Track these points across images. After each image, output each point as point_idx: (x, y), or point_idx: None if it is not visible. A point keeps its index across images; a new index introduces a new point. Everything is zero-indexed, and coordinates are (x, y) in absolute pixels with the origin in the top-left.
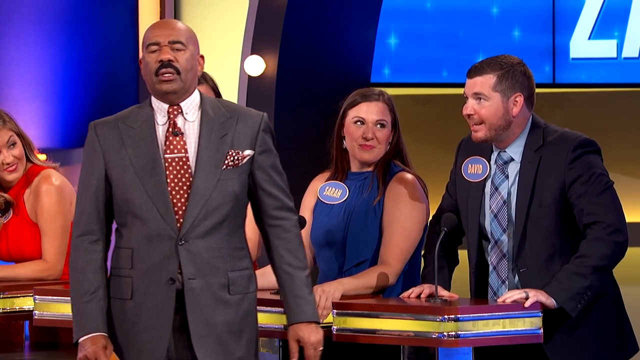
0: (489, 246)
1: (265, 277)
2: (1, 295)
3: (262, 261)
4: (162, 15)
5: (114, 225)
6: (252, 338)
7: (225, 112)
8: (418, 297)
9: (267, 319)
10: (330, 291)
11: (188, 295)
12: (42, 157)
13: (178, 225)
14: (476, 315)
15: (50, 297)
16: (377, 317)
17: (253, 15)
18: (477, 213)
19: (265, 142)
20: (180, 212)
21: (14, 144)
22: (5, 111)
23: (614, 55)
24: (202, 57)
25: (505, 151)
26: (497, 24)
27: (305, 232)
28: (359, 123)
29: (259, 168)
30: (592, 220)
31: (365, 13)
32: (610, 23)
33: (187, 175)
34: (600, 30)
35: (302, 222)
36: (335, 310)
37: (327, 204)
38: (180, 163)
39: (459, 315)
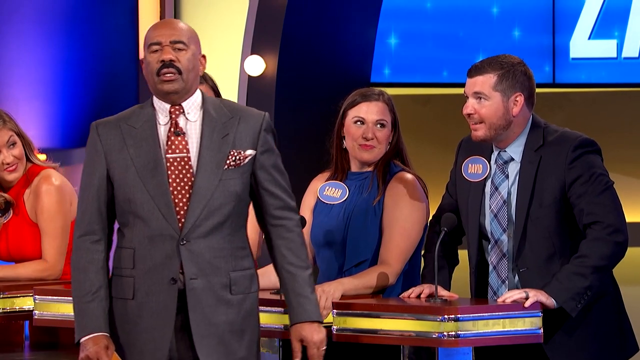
0: (489, 246)
1: (266, 276)
2: (1, 295)
3: (262, 261)
4: (162, 15)
5: (116, 225)
6: (254, 338)
7: (227, 112)
8: (418, 297)
9: (267, 318)
10: (330, 291)
11: (190, 295)
12: (42, 157)
13: (180, 225)
14: (476, 315)
15: (50, 297)
16: (377, 317)
17: (253, 15)
18: (477, 213)
19: (267, 141)
20: (182, 212)
21: (14, 144)
22: (5, 111)
23: (614, 55)
24: (203, 56)
25: (505, 151)
26: (497, 24)
27: (305, 232)
28: (359, 123)
29: (261, 168)
30: (592, 220)
31: (365, 13)
32: (610, 23)
33: (188, 175)
34: (600, 30)
35: (302, 222)
36: (335, 310)
37: (327, 203)
38: (182, 163)
39: (459, 315)
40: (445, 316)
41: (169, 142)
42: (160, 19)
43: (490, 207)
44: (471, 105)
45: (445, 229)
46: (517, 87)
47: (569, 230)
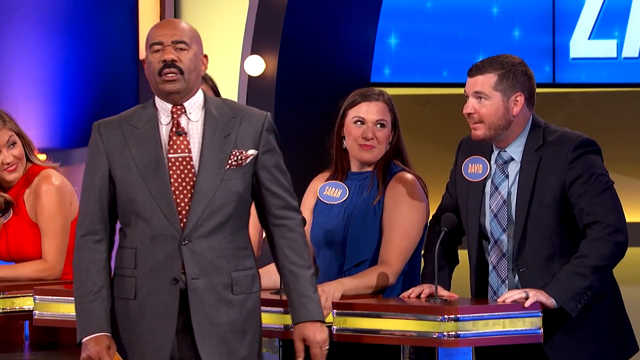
0: (489, 246)
1: (267, 276)
2: (1, 295)
3: (262, 260)
4: (162, 15)
5: (118, 225)
6: (256, 338)
7: (229, 111)
8: (418, 297)
9: (267, 318)
10: (330, 291)
11: (192, 295)
12: (42, 157)
13: (181, 225)
14: (476, 315)
15: (50, 297)
16: (377, 317)
17: (253, 15)
18: (477, 213)
19: (269, 141)
20: (183, 212)
21: (14, 143)
22: (5, 111)
23: (614, 55)
24: (205, 56)
25: (505, 151)
26: (497, 24)
27: (305, 232)
28: (359, 123)
29: (263, 168)
30: (592, 220)
31: (365, 13)
32: (610, 23)
33: (190, 175)
34: (600, 30)
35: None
36: (335, 310)
37: (327, 203)
38: (184, 163)
39: (459, 315)
40: (445, 316)
41: (171, 142)
42: (161, 19)
43: (490, 207)
44: (471, 104)
45: (445, 229)
46: (517, 87)
47: (569, 230)
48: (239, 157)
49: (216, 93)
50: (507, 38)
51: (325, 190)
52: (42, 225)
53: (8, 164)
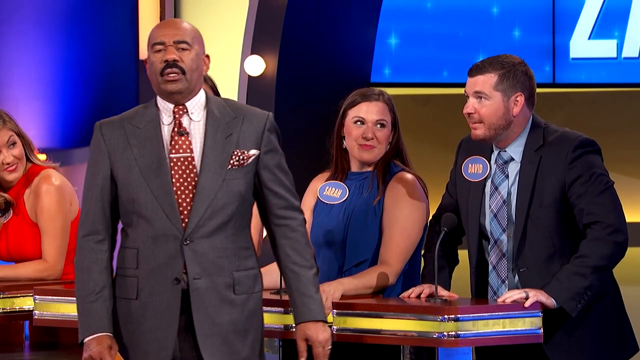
0: (489, 246)
1: (267, 276)
2: (1, 295)
3: (262, 260)
4: (162, 15)
5: (120, 225)
6: (258, 338)
7: (231, 111)
8: (418, 297)
9: (267, 318)
10: (330, 291)
11: (193, 295)
12: (42, 157)
13: (183, 225)
14: (476, 315)
15: (50, 297)
16: (377, 317)
17: (253, 15)
18: (477, 213)
19: (271, 141)
20: (185, 212)
21: (14, 143)
22: (5, 111)
23: (614, 55)
24: (207, 56)
25: (505, 151)
26: (497, 24)
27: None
28: (359, 123)
29: (265, 168)
30: (592, 220)
31: (365, 13)
32: (610, 23)
33: (192, 175)
34: (600, 30)
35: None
36: (335, 310)
37: (327, 204)
38: (186, 163)
39: (459, 315)
40: (445, 316)
41: (173, 142)
42: (161, 19)
43: (490, 207)
44: (472, 104)
45: (445, 229)
46: (517, 87)
47: (569, 230)
48: (241, 157)
49: (216, 93)
50: (507, 38)
51: (325, 190)
52: (42, 225)
53: (8, 164)
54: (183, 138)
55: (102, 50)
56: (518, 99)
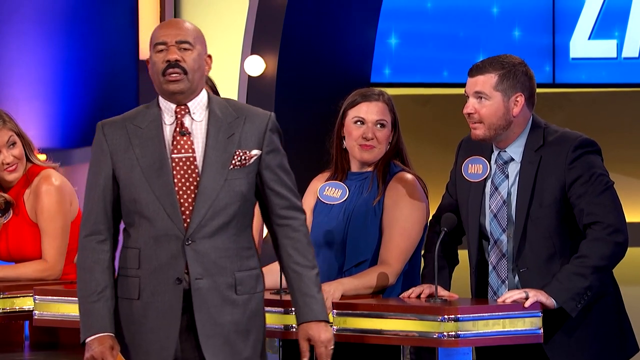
0: (489, 246)
1: (268, 276)
2: (1, 295)
3: (262, 261)
4: (162, 15)
5: (122, 225)
6: (260, 338)
7: (233, 111)
8: (418, 297)
9: (267, 318)
10: (330, 291)
11: (195, 295)
12: (42, 157)
13: (185, 225)
14: (476, 315)
15: (50, 297)
16: (377, 317)
17: (253, 15)
18: (477, 213)
19: (273, 141)
20: (187, 212)
21: (14, 144)
22: (5, 111)
23: (614, 55)
24: (209, 56)
25: (505, 151)
26: (497, 24)
27: None
28: (359, 123)
29: (267, 168)
30: (592, 220)
31: (365, 13)
32: (610, 23)
33: (194, 175)
34: (600, 30)
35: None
36: (335, 310)
37: (327, 204)
38: (188, 163)
39: (459, 315)
40: (445, 316)
41: (175, 142)
42: (160, 18)
43: (490, 207)
44: (472, 104)
45: (445, 229)
46: (517, 87)
47: (569, 230)
48: (243, 157)
49: (215, 93)
50: (507, 38)
51: (325, 190)
52: (42, 226)
53: (8, 164)
54: (185, 138)
55: (102, 50)
56: (518, 99)
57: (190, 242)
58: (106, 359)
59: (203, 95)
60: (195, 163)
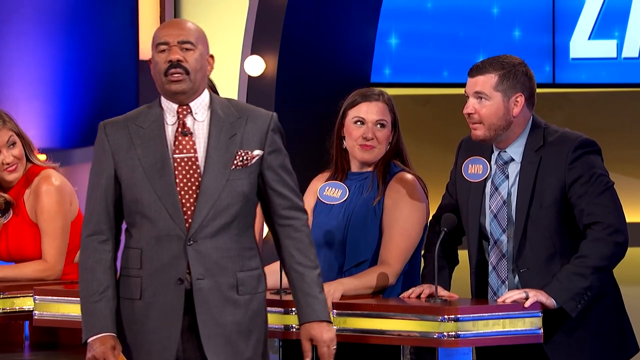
0: (489, 246)
1: (268, 276)
2: (1, 295)
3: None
4: (162, 15)
5: (124, 226)
6: (261, 338)
7: (235, 112)
8: (418, 297)
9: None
10: (330, 291)
11: (197, 295)
12: (42, 157)
13: (187, 225)
14: (476, 315)
15: (50, 297)
16: (377, 317)
17: (253, 15)
18: (477, 213)
19: (275, 142)
20: (189, 212)
21: (14, 144)
22: (5, 111)
23: (614, 55)
24: (211, 56)
25: (505, 151)
26: (497, 24)
27: None
28: (359, 123)
29: (269, 168)
30: (593, 220)
31: (365, 13)
32: (610, 23)
33: (196, 176)
34: (600, 30)
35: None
36: (335, 310)
37: (327, 204)
38: (190, 163)
39: (459, 315)
40: (445, 316)
41: (177, 142)
42: (161, 19)
43: (490, 208)
44: (472, 105)
45: (445, 229)
46: (518, 87)
47: (569, 230)
48: (245, 158)
49: (215, 93)
50: (507, 38)
51: (325, 190)
52: (42, 226)
53: (8, 164)
54: (187, 138)
55: (102, 50)
56: (518, 99)
57: (192, 242)
58: (108, 359)
59: (205, 96)
60: (197, 163)
